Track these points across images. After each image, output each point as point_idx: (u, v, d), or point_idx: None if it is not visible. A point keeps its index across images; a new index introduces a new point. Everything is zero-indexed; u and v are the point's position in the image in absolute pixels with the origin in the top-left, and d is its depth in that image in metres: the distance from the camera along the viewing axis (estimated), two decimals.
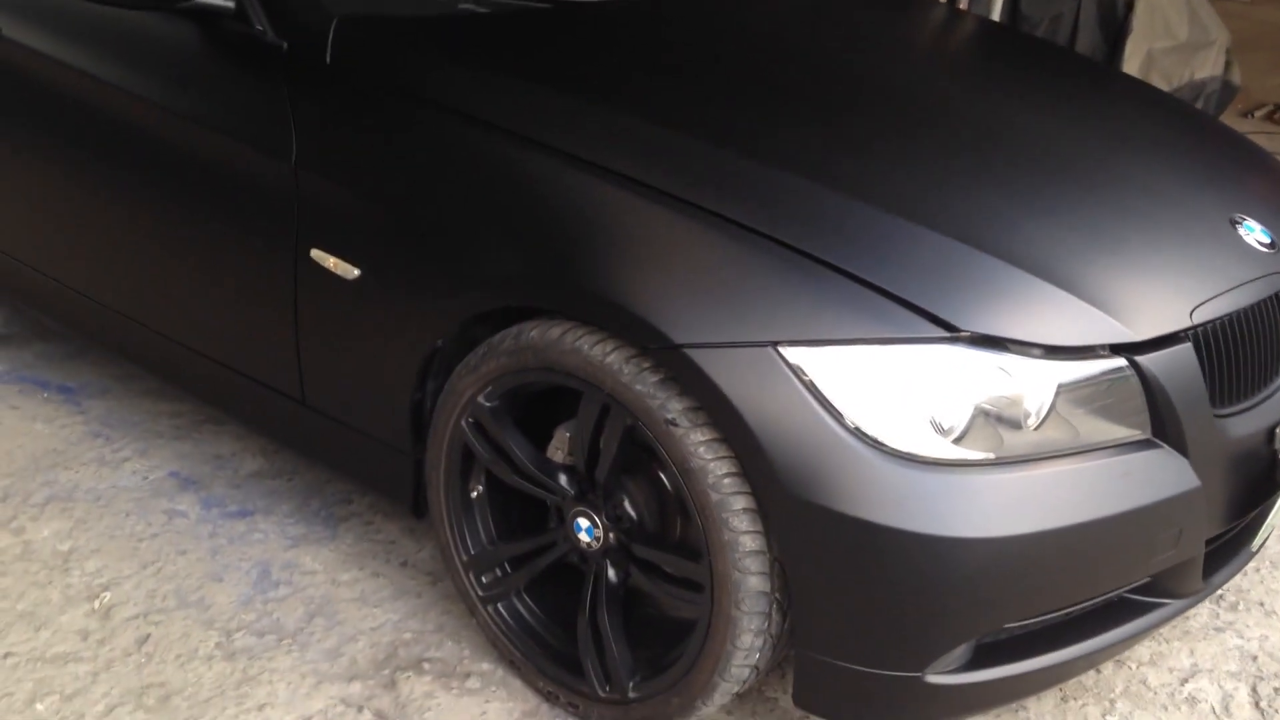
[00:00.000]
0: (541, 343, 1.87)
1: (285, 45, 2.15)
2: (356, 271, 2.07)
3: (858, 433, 1.66)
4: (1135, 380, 1.75)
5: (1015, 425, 1.68)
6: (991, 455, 1.68)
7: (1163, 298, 1.84)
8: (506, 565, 2.11)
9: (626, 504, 1.93)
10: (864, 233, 1.77)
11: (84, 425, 2.80)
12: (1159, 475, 1.77)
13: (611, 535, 1.95)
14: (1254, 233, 2.02)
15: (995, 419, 1.68)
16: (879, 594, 1.69)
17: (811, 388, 1.66)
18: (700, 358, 1.70)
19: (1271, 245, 2.01)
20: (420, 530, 2.48)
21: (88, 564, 2.34)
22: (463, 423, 2.02)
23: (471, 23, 2.26)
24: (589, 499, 1.96)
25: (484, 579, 2.11)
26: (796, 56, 2.41)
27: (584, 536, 1.97)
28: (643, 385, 1.77)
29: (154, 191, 2.34)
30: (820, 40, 2.57)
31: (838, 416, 1.66)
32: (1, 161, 2.62)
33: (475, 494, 2.11)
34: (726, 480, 1.74)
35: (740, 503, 1.74)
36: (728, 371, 1.69)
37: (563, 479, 1.98)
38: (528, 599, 2.11)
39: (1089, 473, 1.73)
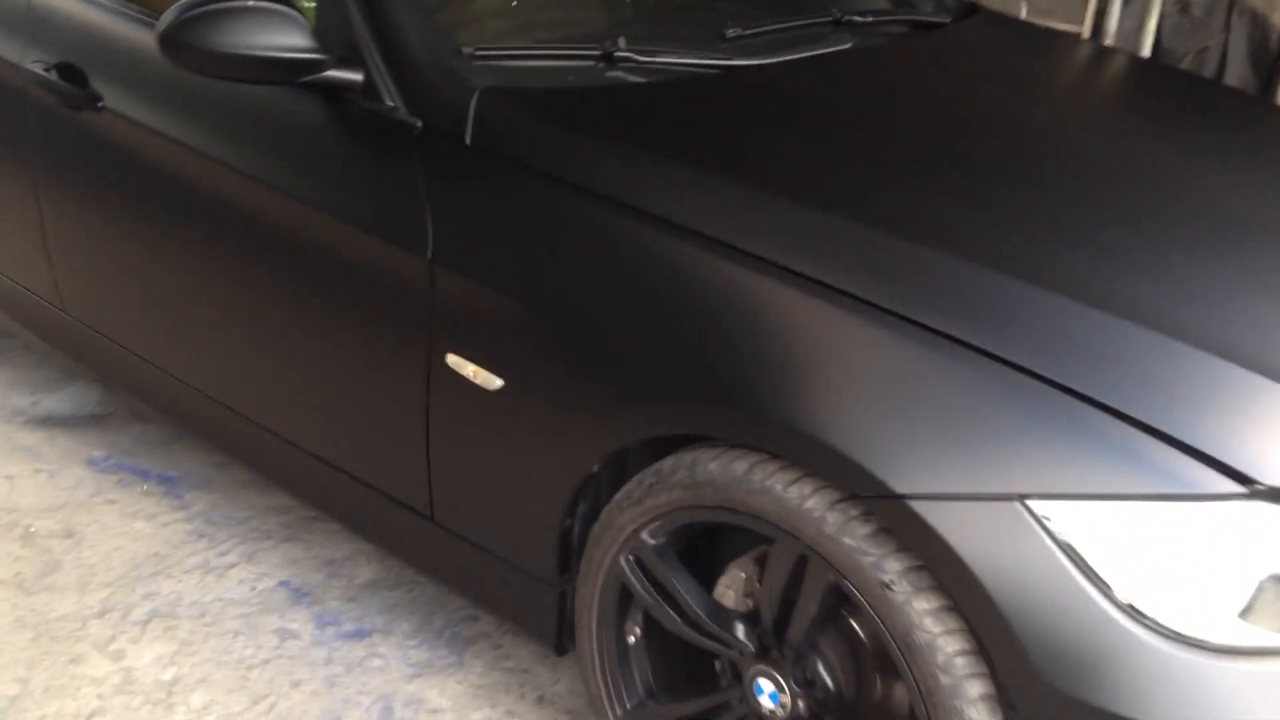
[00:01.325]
0: (723, 478, 1.59)
1: (420, 124, 1.90)
2: (500, 382, 1.80)
3: (1132, 611, 1.35)
4: None
5: None
6: None
7: None
8: None
9: (820, 667, 1.64)
10: (1122, 355, 1.46)
11: (186, 523, 2.58)
12: None
13: (801, 703, 1.65)
14: None
15: None
16: None
17: (1071, 553, 1.36)
18: (927, 511, 1.41)
19: None
20: (555, 658, 2.21)
21: (193, 698, 2.09)
22: (622, 560, 1.75)
23: (631, 96, 1.98)
24: (772, 656, 1.67)
25: None
26: (973, 117, 2.11)
27: (766, 701, 1.68)
28: (852, 538, 1.48)
29: (267, 278, 2.11)
30: (989, 94, 2.26)
31: (1105, 590, 1.35)
32: (97, 238, 2.41)
33: (633, 639, 1.83)
34: (960, 660, 1.43)
35: (976, 689, 1.43)
36: (962, 528, 1.39)
37: (740, 630, 1.69)
38: None
39: None
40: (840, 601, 1.58)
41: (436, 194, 1.86)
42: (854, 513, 1.49)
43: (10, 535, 2.50)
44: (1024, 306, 1.51)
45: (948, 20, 2.56)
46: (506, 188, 1.82)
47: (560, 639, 1.94)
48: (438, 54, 1.94)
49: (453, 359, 1.85)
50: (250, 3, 1.89)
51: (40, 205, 2.48)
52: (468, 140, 1.87)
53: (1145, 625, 1.34)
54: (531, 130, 1.85)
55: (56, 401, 3.03)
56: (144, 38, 2.22)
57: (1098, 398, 1.40)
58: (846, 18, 2.36)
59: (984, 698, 1.43)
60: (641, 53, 2.03)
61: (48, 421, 2.94)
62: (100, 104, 2.26)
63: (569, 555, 1.86)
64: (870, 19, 2.42)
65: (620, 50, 2.01)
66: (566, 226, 1.76)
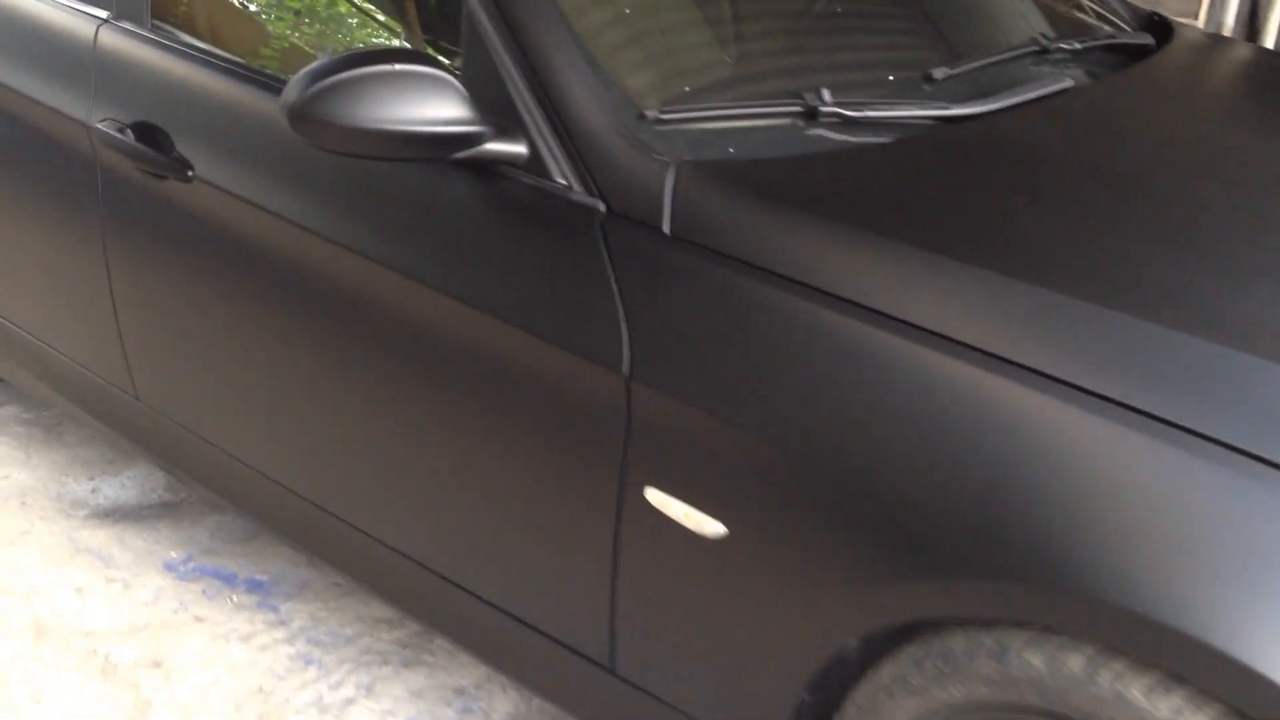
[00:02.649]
0: (1053, 677, 1.25)
1: (603, 206, 1.56)
2: (720, 528, 1.46)
3: None
4: None
5: None
6: None
7: None
8: None
9: None
10: None
11: (288, 644, 2.24)
12: None
13: None
14: None
15: None
16: None
17: None
18: None
19: None
20: None
21: None
22: None
23: (856, 164, 1.61)
24: None
25: None
26: (1242, 172, 1.76)
27: None
28: None
29: (407, 382, 1.75)
30: (1242, 139, 1.91)
31: None
32: (186, 323, 2.06)
33: None
34: None
35: None
36: None
37: None
38: None
39: None
40: None
41: (632, 295, 1.51)
42: None
43: (90, 667, 2.16)
44: None
45: (1151, 41, 2.21)
46: (725, 287, 1.47)
47: None
48: (619, 120, 1.58)
49: (655, 495, 1.51)
50: (398, 66, 1.53)
51: (112, 282, 2.13)
52: (666, 228, 1.52)
53: None
54: (748, 215, 1.49)
55: (119, 488, 2.69)
56: (246, 96, 1.87)
57: None
58: (1055, 45, 2.02)
59: None
60: (849, 105, 1.68)
61: (113, 514, 2.59)
62: (190, 173, 1.91)
63: None
64: (1079, 46, 2.07)
65: (826, 104, 1.67)
66: (808, 337, 1.41)
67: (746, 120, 1.66)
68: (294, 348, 1.89)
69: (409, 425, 1.77)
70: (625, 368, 1.49)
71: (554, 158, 1.59)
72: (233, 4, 2.09)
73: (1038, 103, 1.83)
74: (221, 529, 2.56)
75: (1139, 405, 1.24)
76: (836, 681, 1.48)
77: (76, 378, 2.36)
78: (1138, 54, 2.14)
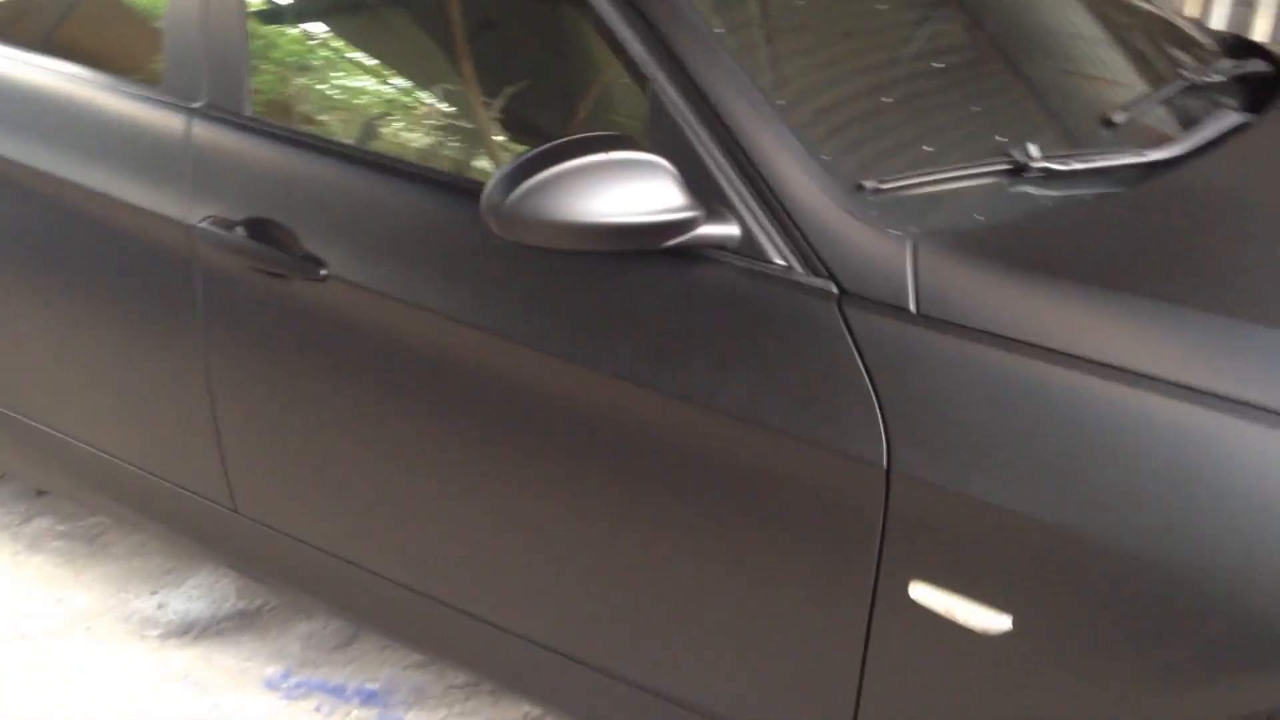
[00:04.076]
0: None
1: (835, 286, 1.47)
2: (1004, 621, 1.38)
3: None
4: None
5: None
6: None
7: None
8: None
9: None
10: None
11: None
12: None
13: None
14: None
15: None
16: None
17: None
18: None
19: None
20: None
21: None
22: None
23: (1084, 222, 1.53)
24: None
25: None
26: None
27: None
28: None
29: (607, 486, 1.62)
30: None
31: None
32: (303, 423, 1.91)
33: None
34: None
35: None
36: None
37: None
38: None
39: None
40: None
41: (883, 379, 1.42)
42: None
43: None
44: None
45: (1269, 68, 2.20)
46: (985, 364, 1.39)
47: None
48: (838, 194, 1.49)
49: (922, 590, 1.42)
50: (614, 155, 1.43)
51: (213, 389, 1.97)
52: (913, 307, 1.43)
53: None
54: (1000, 286, 1.41)
55: (186, 600, 2.50)
56: (388, 188, 1.73)
57: None
58: (1200, 80, 1.98)
59: None
60: (1057, 159, 1.62)
61: (190, 631, 2.41)
62: (323, 272, 1.76)
63: None
64: (1220, 79, 2.04)
65: (1035, 160, 1.60)
66: (1084, 410, 1.33)
67: (957, 184, 1.58)
68: (449, 447, 1.76)
69: (606, 528, 1.65)
70: (885, 459, 1.40)
71: (769, 238, 1.49)
72: (350, 87, 1.94)
73: (1227, 145, 1.79)
74: (313, 636, 2.39)
75: None
76: None
77: (159, 493, 2.18)
78: (1268, 81, 2.12)
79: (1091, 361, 1.35)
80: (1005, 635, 1.39)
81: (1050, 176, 1.62)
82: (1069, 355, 1.36)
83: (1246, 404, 1.29)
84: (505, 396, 1.66)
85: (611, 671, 1.77)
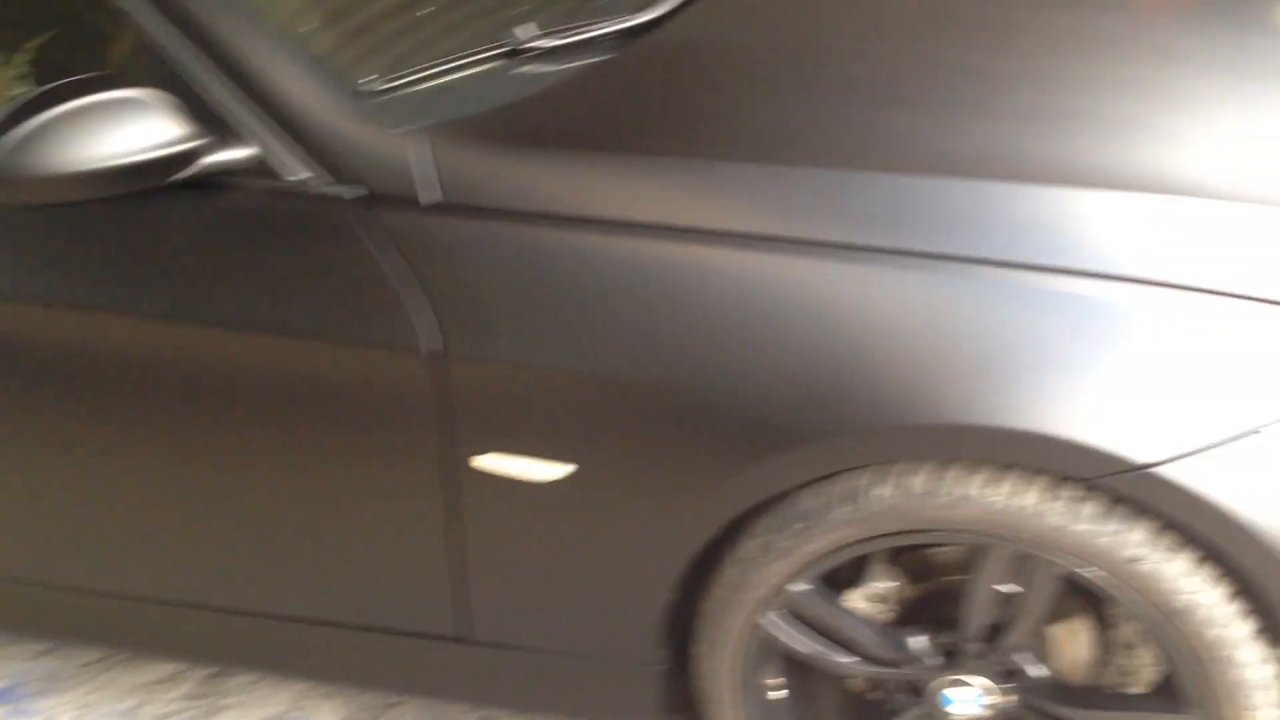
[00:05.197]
0: (904, 501, 1.42)
1: (354, 191, 1.51)
2: (564, 469, 1.51)
3: None
4: None
5: None
6: None
7: None
8: None
9: (1021, 657, 1.53)
10: None
11: None
12: None
13: (1011, 697, 1.55)
14: None
15: None
16: None
17: None
18: (1176, 473, 1.32)
19: None
20: None
21: None
22: (768, 618, 1.54)
23: (569, 95, 1.66)
24: (965, 663, 1.55)
25: None
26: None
27: (964, 709, 1.56)
28: (1082, 523, 1.37)
29: (162, 424, 1.63)
30: None
31: None
32: None
33: (778, 695, 1.64)
34: (1223, 610, 1.38)
35: (1245, 629, 1.39)
36: (1211, 478, 1.32)
37: (921, 646, 1.55)
38: None
39: None
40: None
41: (415, 272, 1.49)
42: (1076, 497, 1.38)
43: None
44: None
45: None
46: (509, 241, 1.49)
47: (666, 714, 1.71)
48: (340, 100, 1.54)
49: (493, 459, 1.53)
50: (91, 98, 1.40)
51: None
52: (431, 198, 1.51)
53: None
54: (512, 166, 1.51)
55: None
56: None
57: None
58: None
59: (1255, 635, 1.39)
60: (546, 36, 1.73)
61: None
62: None
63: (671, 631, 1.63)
64: None
65: (527, 38, 1.70)
66: (603, 268, 1.46)
67: (460, 73, 1.66)
68: (41, 428, 1.70)
69: (208, 472, 1.65)
70: (427, 345, 1.49)
71: (284, 155, 1.52)
72: None
73: None
74: None
75: (914, 249, 1.41)
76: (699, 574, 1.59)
77: None
78: None
79: (605, 221, 1.48)
80: (570, 478, 1.51)
81: (548, 54, 1.72)
82: (585, 219, 1.49)
83: (728, 234, 1.46)
84: (59, 364, 1.62)
85: (243, 610, 1.78)
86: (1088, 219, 1.43)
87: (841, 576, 1.57)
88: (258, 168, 1.52)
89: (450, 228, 1.49)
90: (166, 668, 2.17)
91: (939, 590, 1.60)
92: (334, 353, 1.51)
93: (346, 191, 1.52)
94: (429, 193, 1.50)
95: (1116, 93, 1.68)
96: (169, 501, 1.70)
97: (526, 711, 1.85)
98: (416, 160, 1.51)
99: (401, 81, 1.60)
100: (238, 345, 1.54)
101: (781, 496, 1.49)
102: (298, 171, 1.53)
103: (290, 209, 1.52)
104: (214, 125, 1.51)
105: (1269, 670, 1.41)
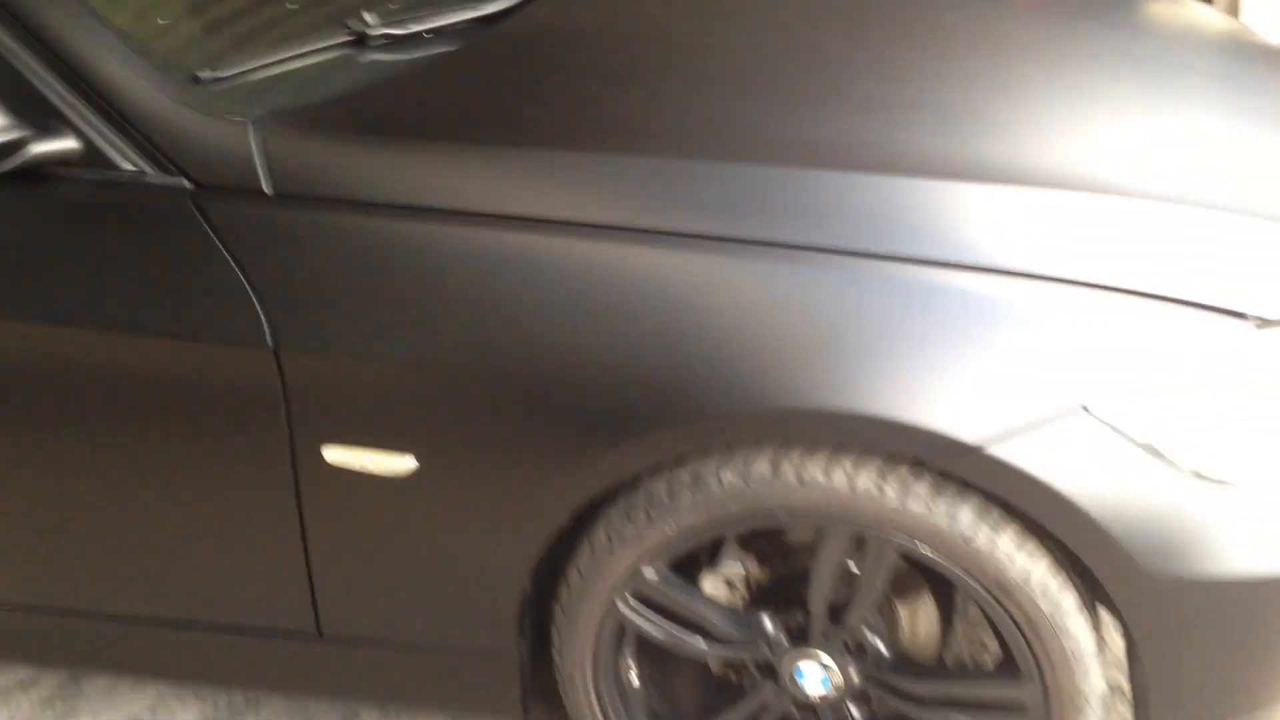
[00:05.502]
0: (747, 486, 1.44)
1: (187, 182, 1.48)
2: (411, 463, 1.50)
3: (1199, 477, 1.40)
4: None
5: None
6: None
7: None
8: None
9: (867, 632, 1.57)
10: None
11: None
12: None
13: (855, 672, 1.58)
14: None
15: None
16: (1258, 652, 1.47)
17: (1148, 446, 1.37)
18: (1005, 452, 1.36)
19: None
20: None
21: None
22: (621, 603, 1.55)
23: (410, 84, 1.64)
24: (811, 640, 1.58)
25: None
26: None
27: (815, 686, 1.59)
28: (919, 503, 1.41)
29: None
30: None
31: (1174, 465, 1.39)
32: None
33: (634, 679, 1.65)
34: (1053, 582, 1.42)
35: (1073, 600, 1.44)
36: (1036, 456, 1.36)
37: (769, 626, 1.58)
38: None
39: None
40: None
41: (250, 265, 1.46)
42: (909, 478, 1.41)
43: None
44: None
45: None
46: (343, 232, 1.47)
47: (525, 704, 1.71)
48: (173, 90, 1.50)
49: (335, 452, 1.51)
50: None
51: None
52: (267, 189, 1.48)
53: (1211, 485, 1.39)
54: (345, 156, 1.49)
55: None
56: None
57: (1138, 288, 1.40)
58: None
59: (1079, 607, 1.44)
60: (393, 24, 1.71)
61: None
62: None
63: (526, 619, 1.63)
64: None
65: (374, 28, 1.68)
66: (441, 257, 1.45)
67: (303, 62, 1.63)
68: None
69: (62, 475, 1.60)
70: (268, 339, 1.46)
71: (113, 145, 1.48)
72: None
73: None
74: None
75: (749, 236, 1.42)
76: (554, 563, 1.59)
77: None
78: None
79: (439, 211, 1.47)
80: (416, 472, 1.51)
81: (395, 43, 1.70)
82: (419, 209, 1.47)
83: (564, 223, 1.45)
84: None
85: (98, 612, 1.74)
86: (921, 207, 1.45)
87: (700, 559, 1.60)
88: (89, 158, 1.48)
89: (281, 218, 1.47)
90: (19, 673, 2.11)
91: (792, 572, 1.63)
92: (173, 347, 1.48)
93: (178, 182, 1.48)
94: (260, 183, 1.48)
95: (963, 85, 1.71)
96: (11, 503, 1.65)
97: (389, 706, 1.83)
98: (247, 150, 1.48)
99: (241, 71, 1.57)
100: (71, 341, 1.50)
101: (629, 484, 1.50)
102: (129, 162, 1.49)
103: (122, 200, 1.48)
104: (42, 115, 1.47)
105: (1095, 638, 1.46)
